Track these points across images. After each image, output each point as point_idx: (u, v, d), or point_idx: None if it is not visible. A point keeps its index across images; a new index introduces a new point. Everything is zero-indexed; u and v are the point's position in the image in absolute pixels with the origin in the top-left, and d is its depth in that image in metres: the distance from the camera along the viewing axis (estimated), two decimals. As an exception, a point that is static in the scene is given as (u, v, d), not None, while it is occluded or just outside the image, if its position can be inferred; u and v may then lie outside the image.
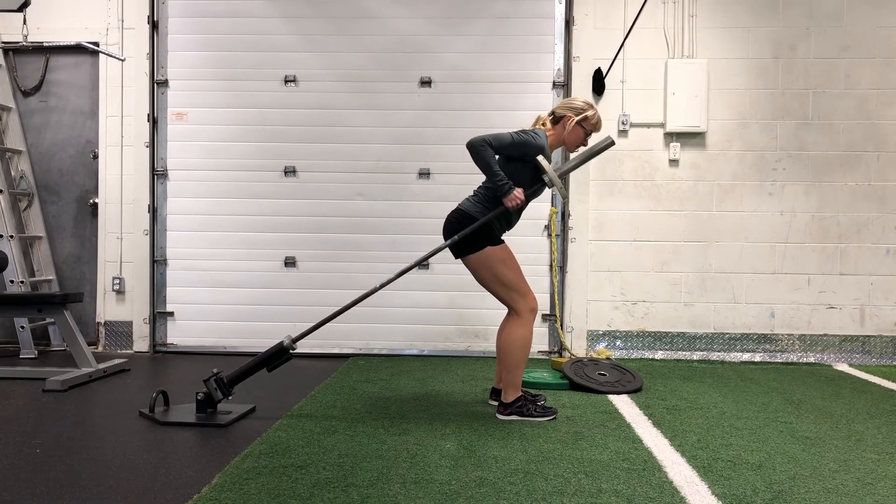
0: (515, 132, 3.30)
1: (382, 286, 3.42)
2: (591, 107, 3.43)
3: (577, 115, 3.39)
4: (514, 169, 3.30)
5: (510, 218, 3.39)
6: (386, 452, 2.79)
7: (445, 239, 3.37)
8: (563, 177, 3.53)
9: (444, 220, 3.41)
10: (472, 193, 3.44)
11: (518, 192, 3.24)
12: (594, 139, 3.51)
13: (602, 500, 2.30)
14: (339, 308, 3.44)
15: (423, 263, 3.55)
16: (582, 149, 3.57)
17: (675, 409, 3.60)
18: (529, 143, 3.26)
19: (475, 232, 3.28)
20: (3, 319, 5.27)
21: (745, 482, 2.50)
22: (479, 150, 3.21)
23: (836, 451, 2.91)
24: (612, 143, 3.44)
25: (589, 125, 3.42)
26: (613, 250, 5.08)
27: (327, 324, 3.43)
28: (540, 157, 3.28)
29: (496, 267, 3.32)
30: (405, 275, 3.47)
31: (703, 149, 5.05)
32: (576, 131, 3.41)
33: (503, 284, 3.34)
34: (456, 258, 3.43)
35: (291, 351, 3.32)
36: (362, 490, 2.37)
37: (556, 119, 3.44)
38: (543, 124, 3.45)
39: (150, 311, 5.19)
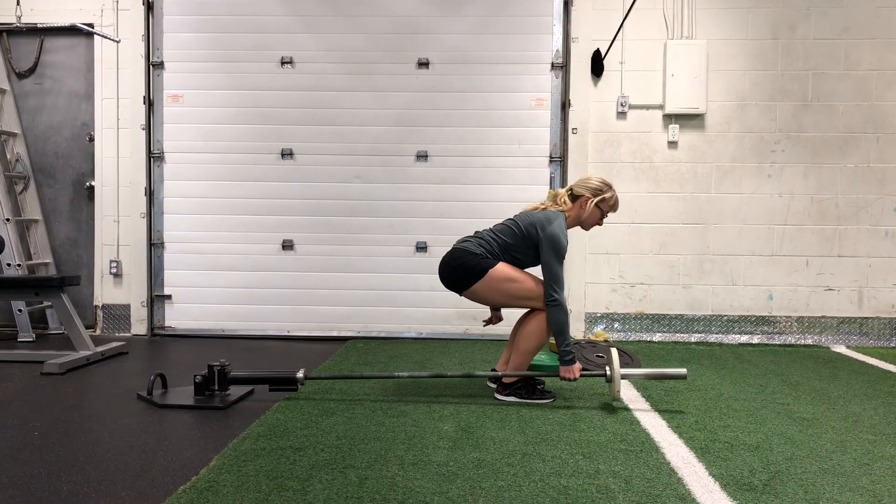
0: (555, 247, 3.20)
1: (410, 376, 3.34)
2: (609, 187, 3.37)
3: (594, 196, 3.33)
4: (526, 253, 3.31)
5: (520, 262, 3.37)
6: (384, 434, 2.80)
7: (443, 282, 3.37)
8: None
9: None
10: (472, 235, 3.40)
11: (577, 368, 3.26)
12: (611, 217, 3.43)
13: (599, 481, 2.31)
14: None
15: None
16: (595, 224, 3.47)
17: (673, 390, 3.61)
18: (563, 247, 3.22)
19: (471, 264, 3.26)
20: (0, 303, 5.26)
21: (743, 463, 2.51)
22: (557, 314, 3.19)
23: (833, 432, 2.92)
24: (685, 377, 3.31)
25: (606, 206, 3.37)
26: (611, 233, 5.06)
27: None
28: (610, 384, 3.23)
29: (503, 286, 3.27)
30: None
31: (701, 130, 5.03)
32: (594, 212, 3.36)
33: (516, 297, 3.30)
34: (461, 295, 3.38)
35: (300, 384, 3.34)
36: (360, 471, 2.38)
37: (574, 197, 3.38)
38: (564, 202, 3.37)
39: (148, 295, 5.18)
